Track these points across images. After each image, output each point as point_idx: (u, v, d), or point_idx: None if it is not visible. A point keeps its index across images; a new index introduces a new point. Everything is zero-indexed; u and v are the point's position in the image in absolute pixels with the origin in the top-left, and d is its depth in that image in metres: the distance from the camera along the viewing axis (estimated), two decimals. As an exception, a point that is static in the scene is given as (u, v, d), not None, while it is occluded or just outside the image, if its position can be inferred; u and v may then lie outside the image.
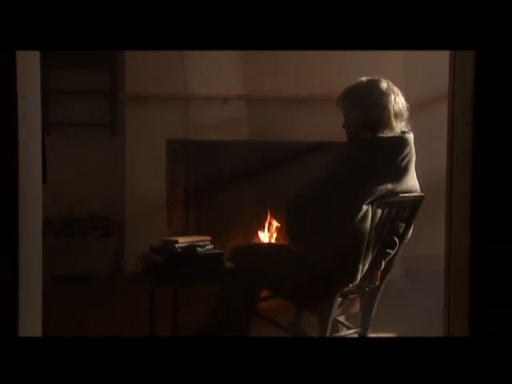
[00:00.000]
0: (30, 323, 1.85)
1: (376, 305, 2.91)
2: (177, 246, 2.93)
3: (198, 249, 2.97)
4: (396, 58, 4.71)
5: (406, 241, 2.88)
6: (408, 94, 4.32)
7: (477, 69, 1.39)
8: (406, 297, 4.13)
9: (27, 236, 1.63)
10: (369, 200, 2.59)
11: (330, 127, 3.81)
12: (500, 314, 1.69)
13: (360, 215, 2.57)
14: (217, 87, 4.91)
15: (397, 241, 2.81)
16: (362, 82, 2.81)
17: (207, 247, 3.01)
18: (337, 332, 2.93)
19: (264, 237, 4.77)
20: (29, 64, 1.39)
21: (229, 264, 3.00)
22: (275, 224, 4.79)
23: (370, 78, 2.81)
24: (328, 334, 2.69)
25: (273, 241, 4.76)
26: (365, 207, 2.58)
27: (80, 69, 4.94)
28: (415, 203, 2.76)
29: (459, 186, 1.60)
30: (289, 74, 4.88)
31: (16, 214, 1.44)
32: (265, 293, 3.00)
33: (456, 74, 1.51)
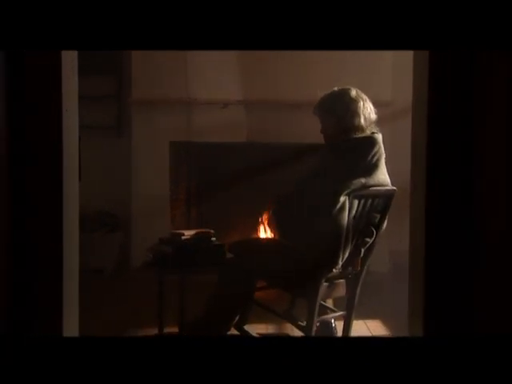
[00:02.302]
0: (71, 322, 1.94)
1: (359, 289, 3.10)
2: (183, 238, 3.13)
3: (202, 241, 3.16)
4: (386, 65, 4.92)
5: (382, 231, 3.06)
6: (397, 98, 4.59)
7: (430, 89, 1.64)
8: (393, 288, 4.29)
9: (68, 234, 1.80)
10: (345, 192, 2.81)
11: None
12: (453, 314, 1.80)
13: (338, 206, 2.78)
14: (217, 92, 5.07)
15: (373, 230, 3.01)
16: (334, 91, 3.06)
17: (210, 239, 3.20)
18: (324, 315, 3.15)
19: (260, 232, 4.90)
20: (70, 82, 1.64)
21: (229, 255, 3.16)
22: (271, 220, 4.88)
23: (341, 87, 3.06)
24: (316, 315, 2.89)
25: (268, 236, 4.85)
26: (342, 198, 2.80)
27: (89, 75, 4.94)
28: (388, 196, 2.98)
29: (418, 188, 1.79)
30: (285, 80, 5.05)
31: (61, 210, 1.65)
32: (262, 284, 3.18)
33: (415, 93, 1.78)
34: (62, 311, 1.82)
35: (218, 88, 5.10)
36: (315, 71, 4.99)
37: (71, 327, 1.92)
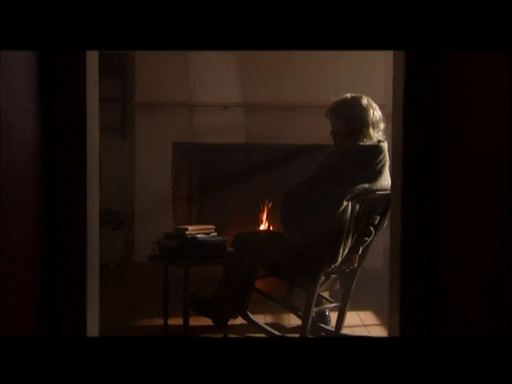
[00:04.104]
0: (93, 320, 1.95)
1: (354, 284, 3.25)
2: (187, 232, 3.25)
3: (205, 235, 3.29)
4: (379, 68, 5.10)
5: (381, 231, 3.20)
6: (391, 101, 4.75)
7: (405, 97, 1.76)
8: (385, 283, 4.48)
9: (91, 232, 1.85)
10: (349, 196, 2.93)
11: (319, 131, 4.07)
12: (428, 314, 1.79)
13: (341, 209, 2.91)
14: (218, 96, 5.23)
15: (373, 230, 3.15)
16: (347, 97, 3.17)
17: (212, 234, 3.34)
18: (321, 305, 3.33)
19: (261, 226, 5.02)
20: (93, 85, 1.82)
21: (230, 249, 3.32)
22: (270, 215, 5.00)
23: (353, 94, 3.18)
24: (313, 306, 3.04)
25: (268, 229, 5.00)
26: (345, 202, 2.92)
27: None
28: (388, 199, 2.99)
29: (396, 189, 1.87)
30: (282, 84, 5.22)
31: (85, 209, 1.76)
32: (262, 272, 3.31)
33: (394, 101, 1.89)
34: (85, 311, 1.87)
35: (219, 91, 5.25)
36: (311, 75, 5.16)
37: (93, 326, 1.96)
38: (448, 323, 1.78)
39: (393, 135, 1.96)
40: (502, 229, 1.40)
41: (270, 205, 4.88)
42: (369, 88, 4.39)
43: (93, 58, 1.85)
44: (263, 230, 4.78)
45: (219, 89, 5.26)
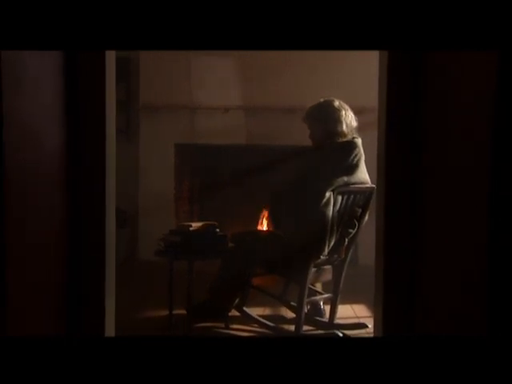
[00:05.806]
0: (110, 319, 2.03)
1: (344, 274, 3.45)
2: (191, 229, 3.41)
3: (207, 231, 3.45)
4: (372, 72, 5.23)
5: (364, 223, 3.41)
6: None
7: (388, 98, 1.92)
8: None
9: (109, 232, 2.03)
10: (330, 189, 3.16)
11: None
12: (408, 311, 1.89)
13: (324, 201, 3.13)
14: (219, 99, 5.37)
15: (356, 223, 3.37)
16: (320, 102, 3.44)
17: (214, 230, 3.48)
18: (313, 296, 3.50)
19: (258, 226, 5.04)
20: (111, 101, 1.98)
21: (231, 244, 3.48)
22: (267, 214, 5.07)
23: (326, 98, 3.44)
24: (305, 296, 3.21)
25: (265, 228, 5.05)
26: (327, 194, 3.14)
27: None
28: (368, 193, 3.33)
29: (380, 186, 2.02)
30: (282, 87, 5.34)
31: (103, 208, 1.93)
32: (259, 270, 3.49)
33: (379, 102, 2.07)
34: (104, 311, 1.98)
35: (220, 94, 5.37)
36: (311, 78, 5.29)
37: (110, 325, 2.06)
38: (425, 322, 1.86)
39: (378, 137, 2.10)
40: (480, 229, 1.44)
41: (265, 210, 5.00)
42: (368, 90, 4.50)
43: (111, 68, 2.02)
44: (262, 230, 4.87)
45: (220, 92, 5.36)
